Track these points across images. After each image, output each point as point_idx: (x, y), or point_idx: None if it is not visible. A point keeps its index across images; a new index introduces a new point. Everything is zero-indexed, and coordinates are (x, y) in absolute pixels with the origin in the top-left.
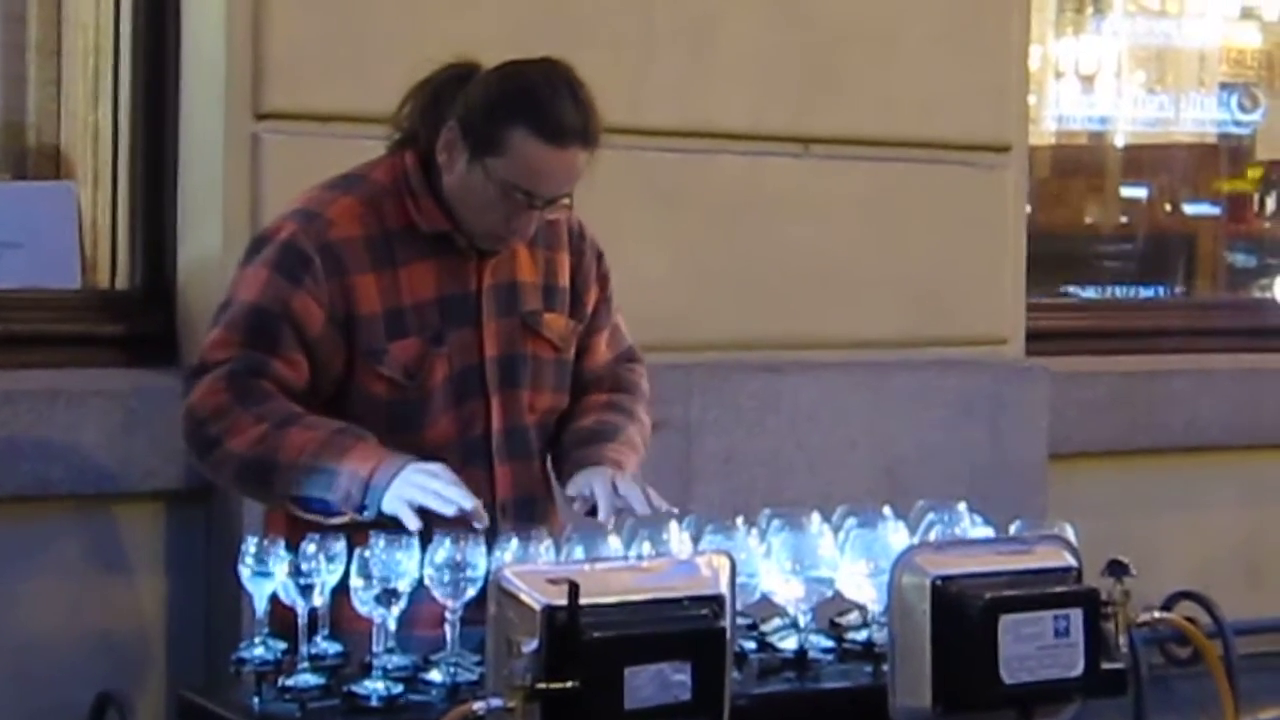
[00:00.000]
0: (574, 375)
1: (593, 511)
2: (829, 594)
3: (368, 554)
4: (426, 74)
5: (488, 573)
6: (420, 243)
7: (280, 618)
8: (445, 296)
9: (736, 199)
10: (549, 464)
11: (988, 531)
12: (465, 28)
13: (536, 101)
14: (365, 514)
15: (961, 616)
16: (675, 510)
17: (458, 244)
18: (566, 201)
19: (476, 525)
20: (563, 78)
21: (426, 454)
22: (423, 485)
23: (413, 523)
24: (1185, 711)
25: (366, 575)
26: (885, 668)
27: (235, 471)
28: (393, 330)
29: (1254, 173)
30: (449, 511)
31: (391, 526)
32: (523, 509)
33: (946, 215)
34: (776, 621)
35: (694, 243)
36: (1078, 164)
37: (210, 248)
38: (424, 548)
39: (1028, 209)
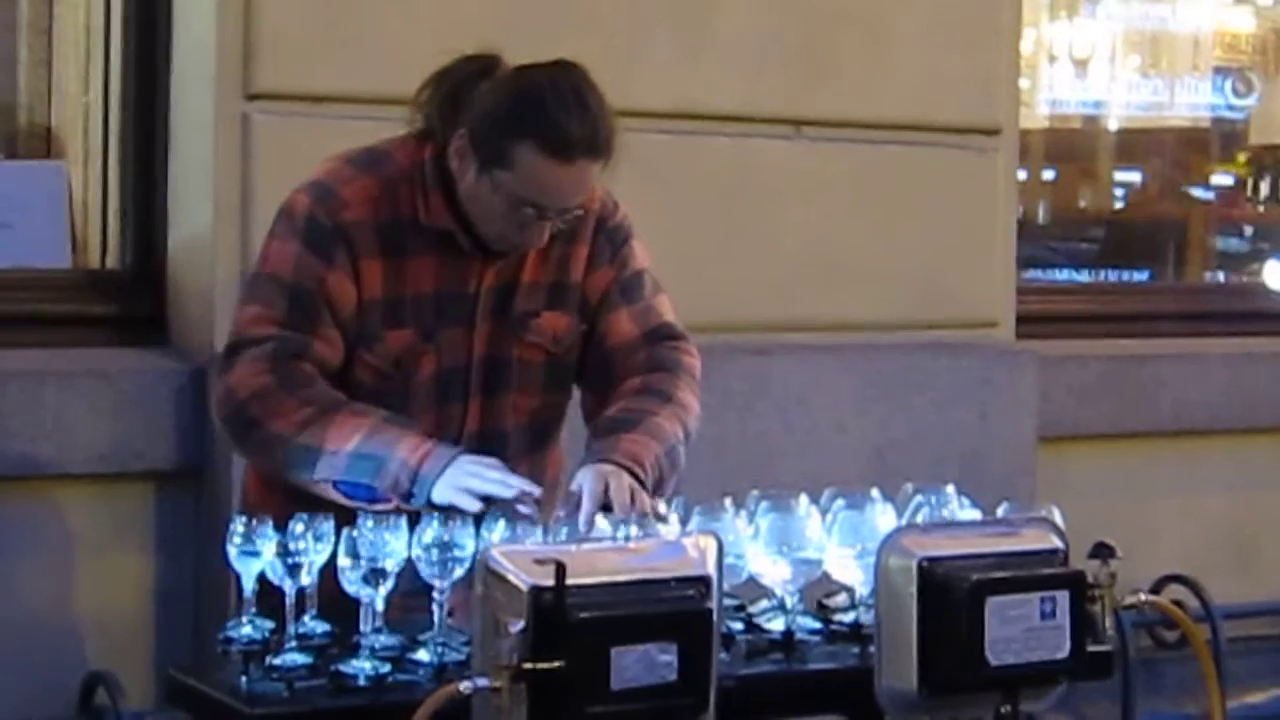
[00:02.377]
0: (601, 357)
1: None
2: (816, 575)
3: (356, 534)
4: (447, 62)
5: (475, 553)
6: (428, 235)
7: (268, 598)
8: (442, 293)
9: (727, 181)
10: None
11: (975, 514)
12: (456, 9)
13: (542, 115)
14: (412, 502)
15: (948, 598)
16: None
17: (461, 245)
18: (579, 211)
19: (525, 509)
20: (571, 87)
21: None
22: (479, 474)
23: (474, 506)
24: (1172, 695)
25: (355, 555)
26: (872, 649)
27: (280, 455)
28: (390, 319)
29: (1246, 157)
30: (509, 494)
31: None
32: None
33: (937, 198)
34: (764, 603)
35: (684, 225)
36: (1070, 148)
37: (200, 228)
38: (477, 530)
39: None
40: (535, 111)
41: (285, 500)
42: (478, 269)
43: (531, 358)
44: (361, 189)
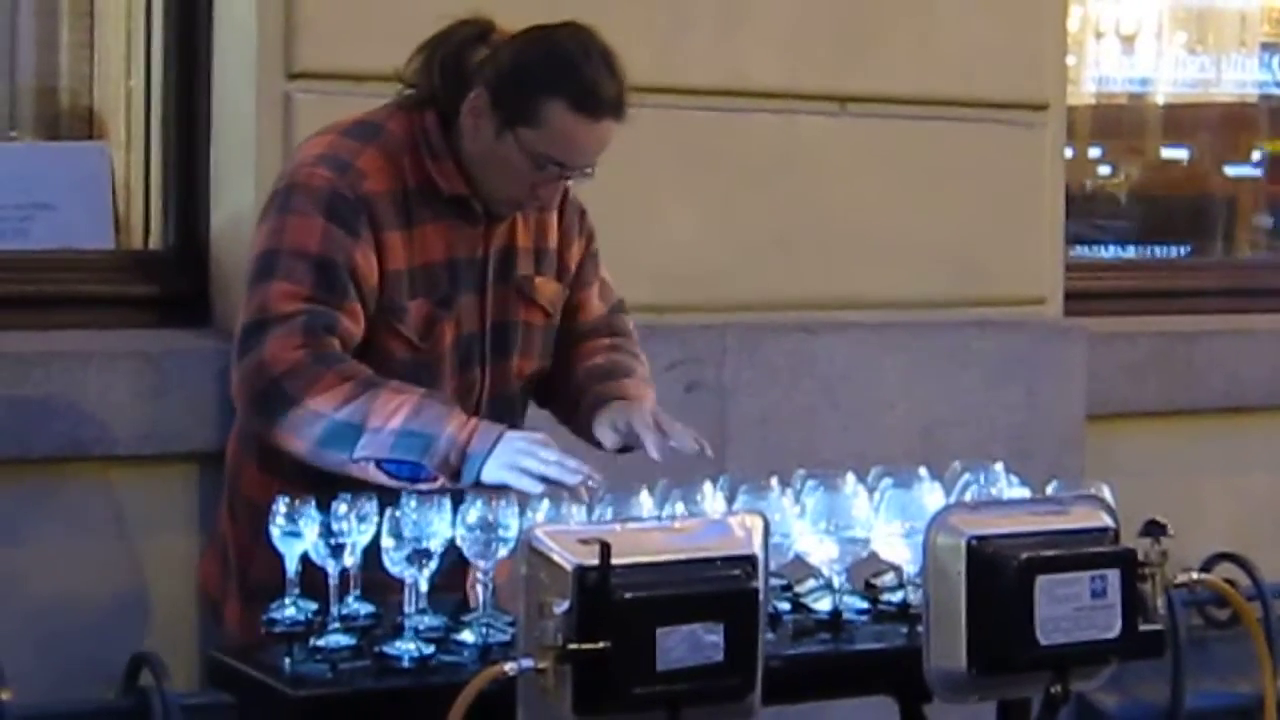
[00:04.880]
0: (570, 331)
1: (625, 449)
2: (864, 555)
3: (399, 514)
4: (437, 30)
5: (520, 533)
6: (437, 203)
7: (311, 578)
8: (454, 260)
9: (771, 158)
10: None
11: (1024, 492)
12: None
13: (574, 72)
14: (462, 481)
15: (997, 577)
16: (710, 453)
17: (473, 209)
18: (590, 171)
19: (587, 495)
20: (597, 46)
21: None
22: (534, 453)
23: (535, 488)
24: (1224, 674)
25: (398, 535)
26: (920, 629)
27: (320, 432)
28: (412, 289)
29: None
30: (573, 480)
31: (489, 493)
32: None
33: (984, 174)
34: (811, 582)
35: (728, 202)
36: (1117, 124)
37: (243, 208)
38: (522, 513)
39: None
40: (568, 69)
41: (284, 490)
42: (483, 234)
43: (534, 320)
44: (372, 160)
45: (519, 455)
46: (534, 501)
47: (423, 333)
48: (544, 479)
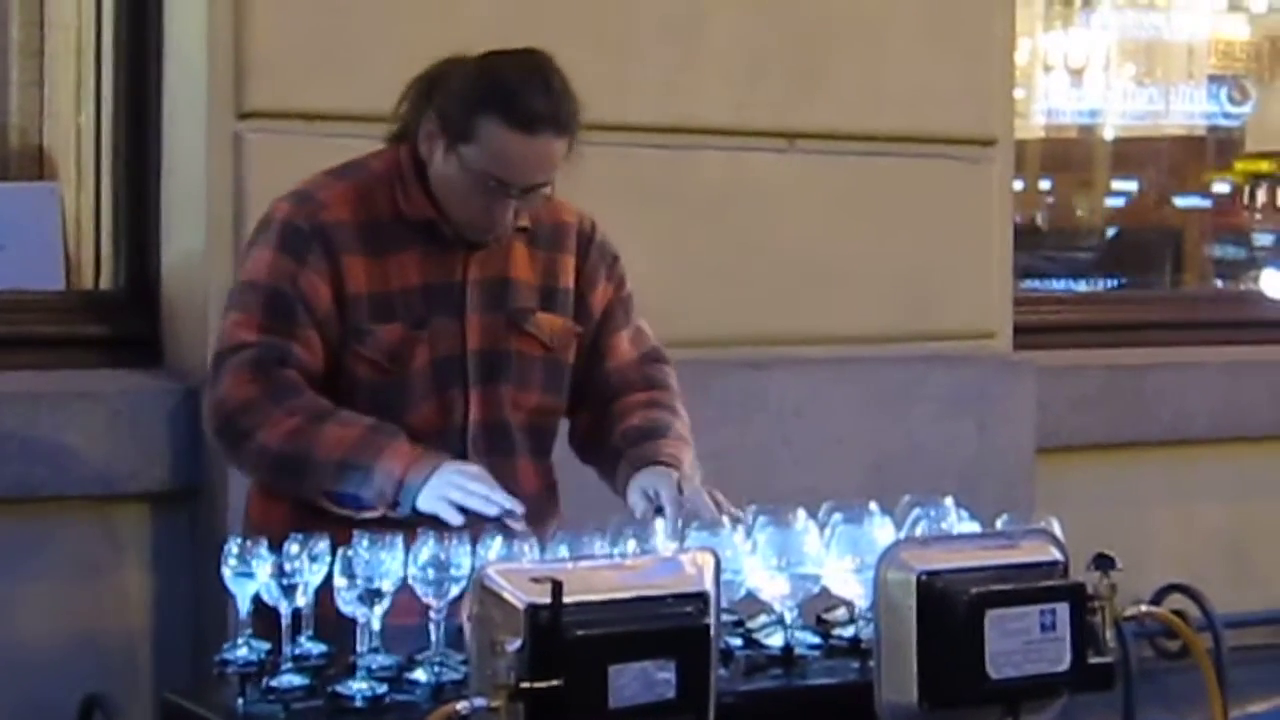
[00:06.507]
0: (600, 377)
1: (659, 512)
2: (815, 590)
3: (351, 553)
4: (423, 69)
5: (472, 571)
6: (408, 232)
7: (264, 619)
8: (430, 285)
9: (721, 195)
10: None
11: (974, 526)
12: (449, 26)
13: (507, 90)
14: (399, 511)
15: (947, 612)
16: (741, 514)
17: (444, 234)
18: (546, 191)
19: (515, 526)
20: (538, 66)
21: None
22: (463, 485)
23: (456, 519)
24: (1175, 705)
25: (350, 575)
26: (872, 664)
27: (268, 465)
28: (378, 314)
29: (1244, 165)
30: (492, 512)
31: (425, 523)
32: None
33: (932, 210)
34: (763, 618)
35: (678, 239)
36: (1066, 157)
37: (194, 247)
38: (407, 550)
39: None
40: (499, 86)
41: (288, 515)
42: (461, 259)
43: (529, 351)
44: (339, 193)
45: (447, 487)
46: (486, 539)
47: (392, 355)
48: (463, 510)
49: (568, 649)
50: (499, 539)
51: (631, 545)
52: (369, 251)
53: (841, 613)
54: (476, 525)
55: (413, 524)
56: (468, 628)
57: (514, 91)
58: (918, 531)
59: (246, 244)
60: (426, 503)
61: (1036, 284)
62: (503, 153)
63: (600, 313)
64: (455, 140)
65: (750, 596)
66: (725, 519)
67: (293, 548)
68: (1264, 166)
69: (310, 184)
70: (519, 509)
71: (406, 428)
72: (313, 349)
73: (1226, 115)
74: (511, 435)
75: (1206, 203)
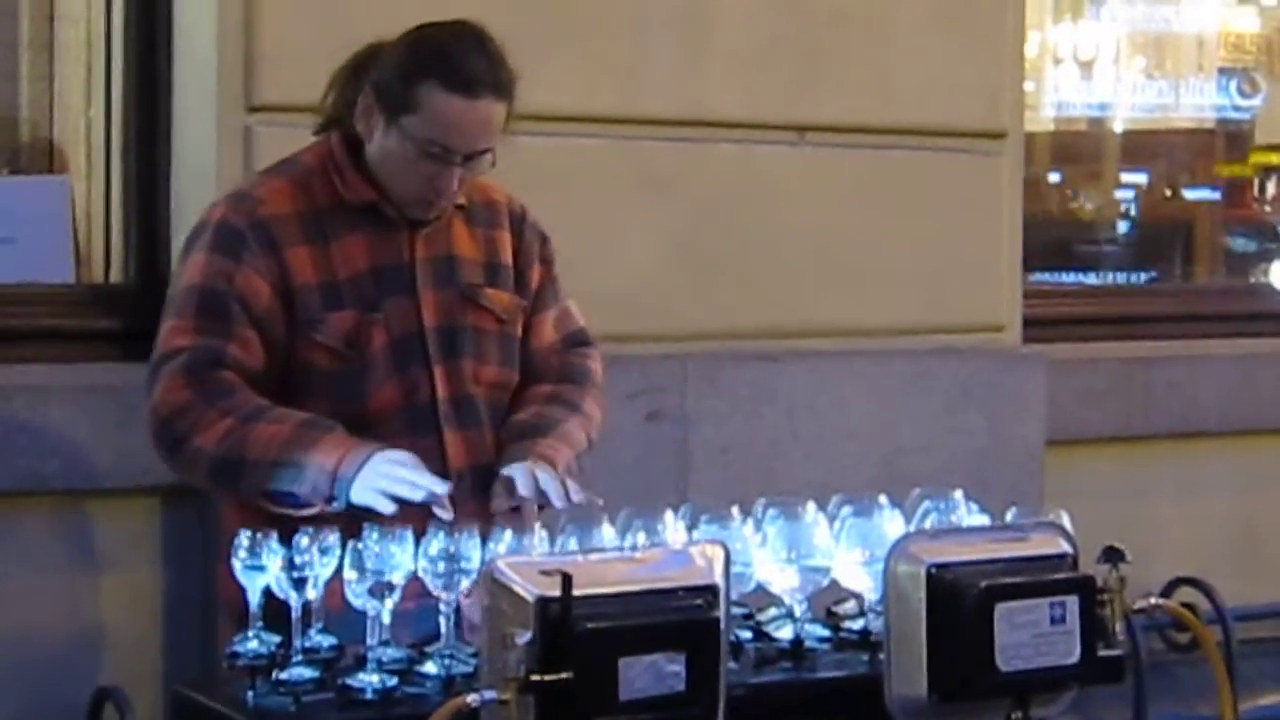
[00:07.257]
0: (524, 358)
1: (516, 508)
2: (825, 583)
3: (361, 546)
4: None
5: (482, 563)
6: (350, 217)
7: (274, 611)
8: (379, 267)
9: (731, 188)
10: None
11: (983, 519)
12: (456, 16)
13: (445, 56)
14: (334, 505)
15: (957, 604)
16: (600, 501)
17: (387, 215)
18: (489, 159)
19: (441, 513)
20: (472, 33)
21: (371, 423)
22: (391, 473)
23: (388, 508)
24: (1185, 698)
25: (360, 568)
26: (881, 657)
27: (205, 468)
28: (328, 302)
29: (1254, 158)
30: (417, 497)
31: (362, 515)
32: (479, 478)
33: (942, 202)
34: (772, 611)
35: (688, 232)
36: (1076, 150)
37: None
38: (418, 542)
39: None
40: (438, 53)
41: (269, 521)
42: (407, 238)
43: (485, 325)
44: (276, 188)
45: (377, 477)
46: (496, 533)
47: (349, 341)
48: (394, 498)
49: (578, 642)
50: (507, 533)
51: (641, 538)
52: (313, 241)
53: (851, 605)
54: (408, 512)
55: (351, 518)
56: (468, 612)
57: (451, 56)
58: (927, 524)
59: (181, 251)
60: (359, 495)
61: (1046, 277)
62: (444, 117)
63: (534, 291)
64: (395, 112)
65: (760, 589)
66: (575, 504)
67: (303, 540)
68: (1274, 159)
69: (245, 184)
70: (442, 489)
71: (370, 412)
72: (250, 348)
73: (1236, 108)
74: (478, 408)
75: (1217, 195)
